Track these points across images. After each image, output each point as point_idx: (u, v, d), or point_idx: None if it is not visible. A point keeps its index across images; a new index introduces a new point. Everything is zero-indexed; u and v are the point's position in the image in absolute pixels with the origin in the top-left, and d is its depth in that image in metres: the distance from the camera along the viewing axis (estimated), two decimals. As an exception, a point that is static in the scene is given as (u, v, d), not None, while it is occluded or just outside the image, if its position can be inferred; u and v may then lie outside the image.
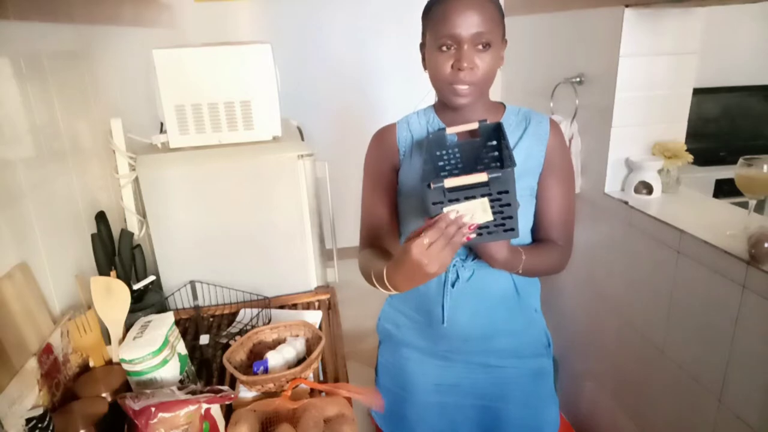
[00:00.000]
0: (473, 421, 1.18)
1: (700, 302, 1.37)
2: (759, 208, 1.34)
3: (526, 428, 1.16)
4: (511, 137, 1.04)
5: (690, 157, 1.64)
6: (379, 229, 1.11)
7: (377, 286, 0.97)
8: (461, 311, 1.07)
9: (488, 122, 0.99)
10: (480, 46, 0.93)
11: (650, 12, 1.54)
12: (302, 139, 1.56)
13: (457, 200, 0.83)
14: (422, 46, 1.01)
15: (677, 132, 1.71)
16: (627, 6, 1.52)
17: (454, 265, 1.06)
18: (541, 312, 1.19)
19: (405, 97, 3.36)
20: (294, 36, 3.23)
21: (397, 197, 1.11)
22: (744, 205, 1.39)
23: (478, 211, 0.83)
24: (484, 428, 1.18)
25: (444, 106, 1.06)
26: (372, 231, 1.12)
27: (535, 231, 1.09)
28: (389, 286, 0.91)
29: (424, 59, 1.01)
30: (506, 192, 0.82)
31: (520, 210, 0.99)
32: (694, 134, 1.75)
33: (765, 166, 1.26)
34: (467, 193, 0.82)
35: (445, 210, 0.82)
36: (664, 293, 1.49)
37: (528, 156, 1.04)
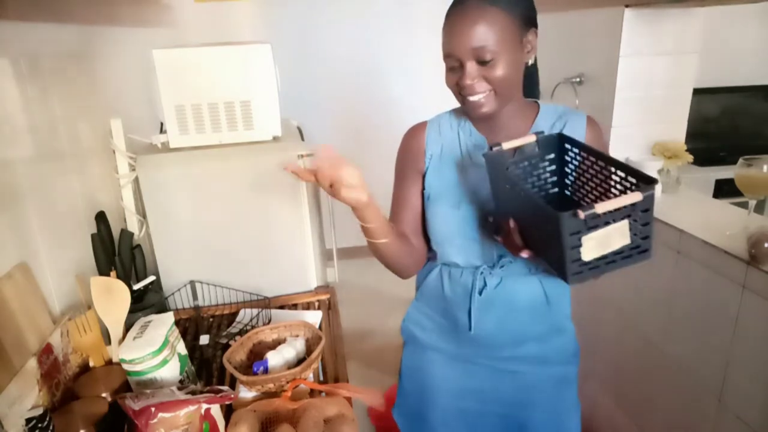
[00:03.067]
0: (495, 429, 1.16)
1: (700, 302, 1.37)
2: (759, 208, 1.34)
3: None
4: None
5: (690, 157, 1.64)
6: (402, 227, 1.11)
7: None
8: (488, 318, 1.06)
9: (545, 133, 0.94)
10: (484, 62, 0.90)
11: (650, 12, 1.54)
12: (302, 139, 1.56)
13: (596, 227, 0.75)
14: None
15: (677, 132, 1.71)
16: (627, 6, 1.52)
17: (482, 273, 1.04)
18: (570, 319, 1.15)
19: (405, 96, 3.36)
20: (294, 36, 3.23)
21: (424, 200, 1.09)
22: (744, 205, 1.39)
23: (615, 236, 0.76)
24: None
25: None
26: (397, 218, 1.12)
27: None
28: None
29: None
30: (647, 210, 0.76)
31: None
32: (694, 134, 1.75)
33: (765, 166, 1.26)
34: (607, 217, 0.75)
35: (584, 240, 0.75)
36: (664, 293, 1.49)
37: None
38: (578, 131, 1.01)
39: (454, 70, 0.95)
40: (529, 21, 0.94)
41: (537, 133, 0.93)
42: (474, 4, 0.89)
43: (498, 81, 0.92)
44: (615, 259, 0.78)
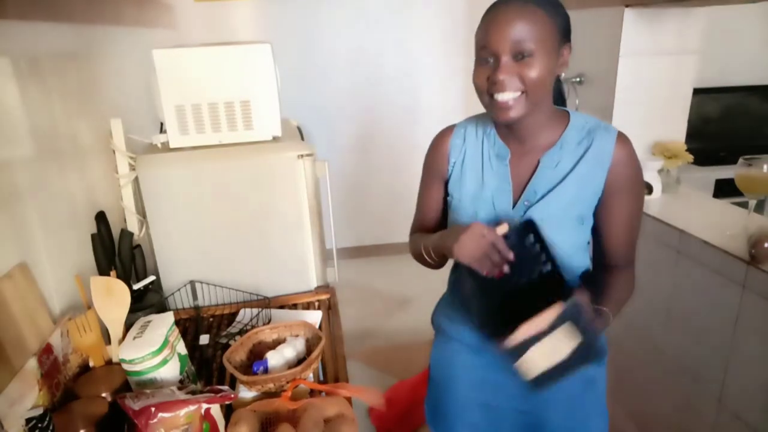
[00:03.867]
0: (514, 427, 1.14)
1: (700, 302, 1.37)
2: (759, 208, 1.34)
3: None
4: (568, 159, 0.96)
5: (690, 157, 1.64)
6: (427, 227, 1.14)
7: (428, 256, 1.04)
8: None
9: (516, 220, 0.93)
10: (521, 57, 0.87)
11: (650, 12, 1.54)
12: (302, 139, 1.56)
13: (530, 344, 0.75)
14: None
15: (677, 132, 1.71)
16: (627, 6, 1.52)
17: None
18: None
19: (405, 96, 3.36)
20: (294, 36, 3.23)
21: (448, 206, 1.09)
22: (744, 205, 1.39)
23: (563, 340, 0.75)
24: None
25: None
26: (421, 226, 1.16)
27: (596, 253, 1.05)
28: (444, 246, 0.95)
29: None
30: (579, 317, 0.74)
31: (567, 235, 0.97)
32: (694, 134, 1.75)
33: (765, 166, 1.26)
34: (536, 335, 0.75)
35: (526, 359, 0.75)
36: (664, 293, 1.49)
37: (583, 184, 0.96)
38: (606, 150, 0.95)
39: (487, 64, 0.90)
40: (566, 33, 0.93)
41: (510, 221, 0.92)
42: (519, 2, 0.88)
43: (531, 81, 0.88)
44: (573, 363, 0.78)
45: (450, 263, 1.12)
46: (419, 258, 1.11)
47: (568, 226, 0.97)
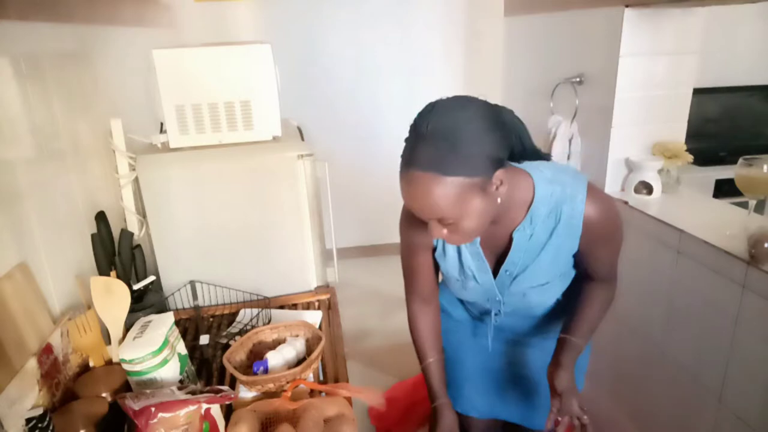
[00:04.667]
0: (517, 389, 1.26)
1: (700, 302, 1.37)
2: (759, 208, 1.34)
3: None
4: (541, 231, 0.96)
5: (690, 157, 1.64)
6: (420, 290, 1.15)
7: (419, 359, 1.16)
8: (507, 325, 1.19)
9: None
10: (447, 223, 0.85)
11: (650, 12, 1.54)
12: (302, 139, 1.56)
13: None
14: None
15: (677, 132, 1.71)
16: (627, 6, 1.52)
17: (498, 300, 1.09)
18: None
19: (404, 96, 3.36)
20: (294, 36, 3.22)
21: (436, 259, 1.10)
22: (744, 205, 1.39)
23: None
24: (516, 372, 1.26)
25: None
26: (416, 288, 1.15)
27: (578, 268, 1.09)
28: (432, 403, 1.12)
29: None
30: None
31: (552, 292, 1.08)
32: (694, 134, 1.75)
33: (765, 166, 1.26)
34: None
35: None
36: (664, 293, 1.49)
37: (559, 252, 0.99)
38: (575, 219, 0.94)
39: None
40: (491, 165, 0.81)
41: None
42: (418, 174, 0.79)
43: (467, 231, 0.85)
44: None
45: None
46: (411, 335, 1.19)
47: (551, 285, 1.05)
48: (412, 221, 0.98)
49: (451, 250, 1.06)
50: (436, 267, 1.13)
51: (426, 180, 0.79)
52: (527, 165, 0.97)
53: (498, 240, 1.01)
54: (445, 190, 0.79)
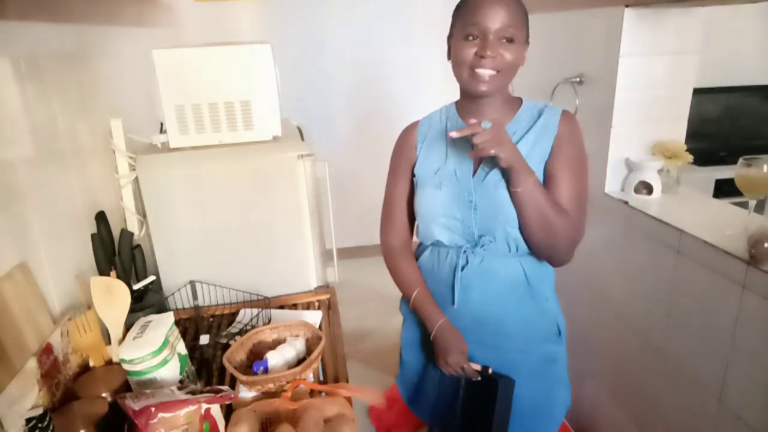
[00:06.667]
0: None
1: (700, 302, 1.37)
2: (759, 208, 1.34)
3: (536, 407, 1.19)
4: (520, 130, 1.09)
5: (690, 157, 1.64)
6: (397, 222, 1.22)
7: (402, 291, 1.21)
8: (472, 294, 1.13)
9: (490, 371, 1.13)
10: (504, 40, 1.00)
11: (650, 12, 1.54)
12: (302, 139, 1.56)
13: None
14: (449, 38, 1.09)
15: (677, 132, 1.71)
16: (627, 6, 1.52)
17: (465, 252, 1.11)
18: (556, 299, 1.21)
19: (404, 96, 3.36)
20: (294, 36, 3.23)
21: (413, 187, 1.18)
22: (744, 205, 1.39)
23: None
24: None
25: (464, 101, 1.14)
26: (391, 221, 1.22)
27: None
28: (428, 324, 1.16)
29: (449, 51, 1.09)
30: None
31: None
32: (694, 134, 1.75)
33: (765, 166, 1.26)
34: None
35: None
36: (663, 293, 1.49)
37: (533, 147, 1.08)
38: (552, 122, 1.08)
39: (472, 41, 1.01)
40: (528, 33, 1.05)
41: (483, 368, 1.14)
42: None
43: (507, 64, 1.01)
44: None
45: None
46: (394, 278, 1.23)
47: None
48: (404, 142, 1.19)
49: (436, 149, 1.14)
50: (412, 222, 1.22)
51: None
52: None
53: None
54: (519, 8, 1.02)
